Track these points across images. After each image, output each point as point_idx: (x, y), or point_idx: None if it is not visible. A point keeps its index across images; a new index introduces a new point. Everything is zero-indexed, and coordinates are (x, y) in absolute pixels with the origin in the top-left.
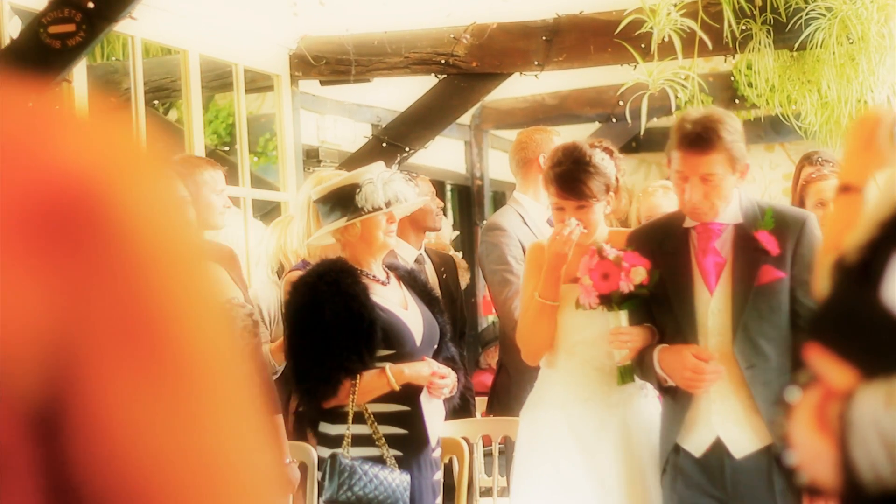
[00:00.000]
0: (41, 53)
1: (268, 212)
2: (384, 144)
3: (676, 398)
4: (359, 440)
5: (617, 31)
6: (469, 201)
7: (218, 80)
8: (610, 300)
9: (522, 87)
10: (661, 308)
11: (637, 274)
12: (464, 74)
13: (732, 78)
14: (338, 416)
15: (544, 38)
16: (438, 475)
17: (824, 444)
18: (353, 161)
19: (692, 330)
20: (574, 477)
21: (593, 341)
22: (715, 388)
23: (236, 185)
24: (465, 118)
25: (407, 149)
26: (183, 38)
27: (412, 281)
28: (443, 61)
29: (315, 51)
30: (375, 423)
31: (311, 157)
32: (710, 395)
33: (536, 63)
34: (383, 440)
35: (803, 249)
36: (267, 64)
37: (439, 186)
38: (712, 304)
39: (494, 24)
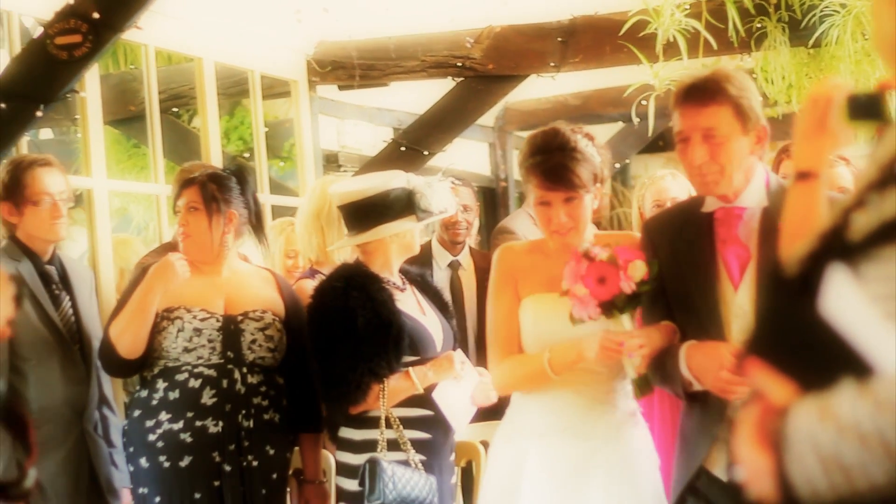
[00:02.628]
0: (48, 65)
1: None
2: (403, 148)
3: (705, 409)
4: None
5: (621, 33)
6: (494, 203)
7: (238, 87)
8: (612, 306)
9: (545, 87)
10: (681, 304)
11: (636, 269)
12: (480, 77)
13: (755, 76)
14: (363, 422)
15: (560, 39)
16: (454, 479)
17: (766, 459)
18: (373, 165)
19: (717, 330)
20: None
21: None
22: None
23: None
24: (489, 120)
25: (425, 152)
26: (197, 45)
27: (424, 286)
28: (459, 64)
29: (332, 56)
30: (401, 428)
31: (331, 162)
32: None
33: (552, 64)
34: (408, 444)
35: None
36: (284, 70)
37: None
38: (738, 302)
39: (509, 25)
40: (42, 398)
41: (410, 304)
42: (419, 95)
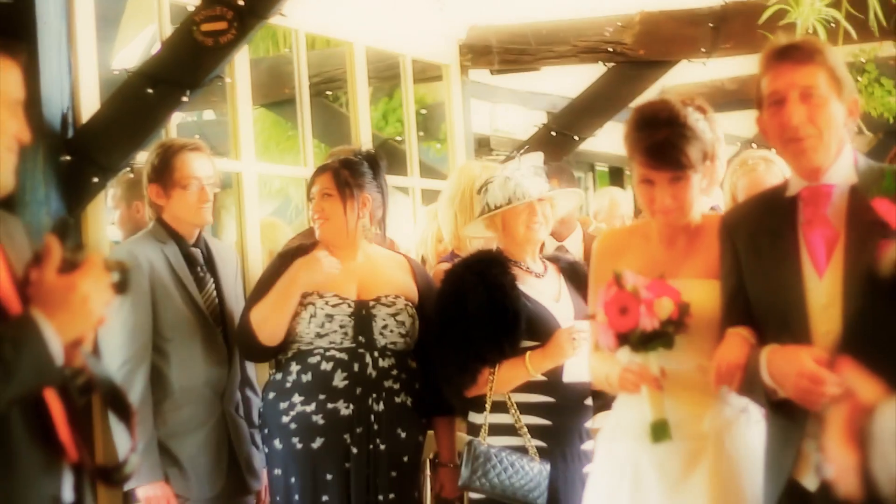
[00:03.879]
0: (194, 51)
1: None
2: (553, 133)
3: (791, 417)
4: (501, 429)
5: (760, 21)
6: None
7: (392, 70)
8: (628, 340)
9: (701, 72)
10: (761, 301)
11: (662, 308)
12: (632, 62)
13: None
14: (484, 406)
15: (711, 24)
16: (589, 467)
17: (852, 457)
18: (523, 149)
19: (800, 326)
20: None
21: (680, 357)
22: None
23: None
24: None
25: (576, 137)
26: (348, 30)
27: (573, 273)
28: (610, 49)
29: (483, 40)
30: (518, 413)
31: (483, 146)
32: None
33: (703, 50)
34: (525, 429)
35: None
36: (436, 54)
37: (617, 173)
38: (823, 290)
39: (660, 11)
40: (184, 379)
41: (545, 289)
42: (573, 79)
